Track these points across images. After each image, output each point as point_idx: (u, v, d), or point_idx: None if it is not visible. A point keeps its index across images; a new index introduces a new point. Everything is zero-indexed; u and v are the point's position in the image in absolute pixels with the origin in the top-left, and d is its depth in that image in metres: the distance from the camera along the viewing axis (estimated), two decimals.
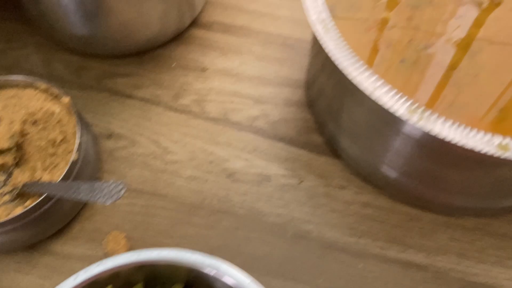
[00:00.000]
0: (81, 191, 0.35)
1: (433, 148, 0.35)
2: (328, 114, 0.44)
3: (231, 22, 0.54)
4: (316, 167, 0.45)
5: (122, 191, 0.34)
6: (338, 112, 0.41)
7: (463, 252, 0.41)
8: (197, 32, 0.53)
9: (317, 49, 0.43)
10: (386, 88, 0.32)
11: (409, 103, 0.31)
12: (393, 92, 0.32)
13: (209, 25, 0.54)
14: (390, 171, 0.40)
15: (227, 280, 0.35)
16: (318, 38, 0.34)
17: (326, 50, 0.34)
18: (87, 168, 0.42)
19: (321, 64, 0.42)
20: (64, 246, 0.41)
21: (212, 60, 0.52)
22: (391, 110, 0.31)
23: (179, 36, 0.53)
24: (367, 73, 0.32)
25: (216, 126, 0.48)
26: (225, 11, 0.55)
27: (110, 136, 0.47)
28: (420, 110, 0.31)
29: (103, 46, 0.49)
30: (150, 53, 0.52)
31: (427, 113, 0.31)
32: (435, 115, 0.31)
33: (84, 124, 0.43)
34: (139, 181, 0.45)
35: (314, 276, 0.40)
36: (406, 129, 0.34)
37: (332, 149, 0.46)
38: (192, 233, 0.42)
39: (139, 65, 0.51)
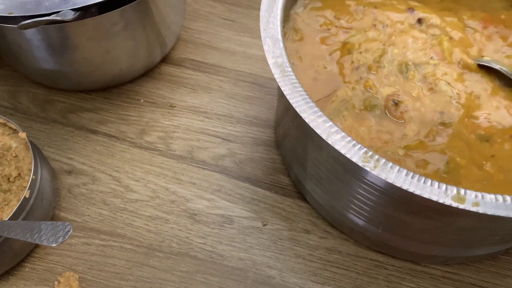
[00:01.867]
0: (27, 232, 0.34)
1: (394, 196, 0.34)
2: (293, 156, 0.43)
3: (202, 60, 0.54)
4: (281, 210, 0.44)
5: (69, 233, 0.33)
6: (302, 155, 0.41)
7: None
8: (168, 69, 0.53)
9: (280, 91, 0.42)
10: (341, 135, 0.31)
11: (364, 150, 0.30)
12: (348, 139, 0.31)
13: (180, 62, 0.54)
14: (354, 218, 0.39)
15: None
16: (277, 81, 0.34)
17: (284, 94, 0.33)
18: (41, 206, 0.40)
19: (283, 106, 0.41)
20: None
21: (181, 96, 0.51)
22: (347, 157, 0.30)
23: (149, 72, 0.52)
24: (322, 118, 0.32)
25: (180, 164, 0.46)
26: (196, 48, 0.55)
27: (70, 172, 0.46)
28: (375, 158, 0.30)
29: (69, 81, 0.48)
30: (119, 88, 0.51)
31: (383, 161, 0.30)
32: (391, 164, 0.30)
33: (42, 160, 0.42)
34: (97, 220, 0.43)
35: None
36: (366, 176, 0.34)
37: (298, 192, 0.45)
38: (149, 276, 0.41)
39: (106, 99, 0.50)
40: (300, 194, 0.45)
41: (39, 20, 0.34)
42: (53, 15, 0.34)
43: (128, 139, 0.48)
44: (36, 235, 0.33)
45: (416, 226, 0.37)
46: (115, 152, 0.47)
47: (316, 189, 0.41)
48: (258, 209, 0.44)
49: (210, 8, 0.59)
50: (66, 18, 0.34)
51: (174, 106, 0.50)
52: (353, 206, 0.38)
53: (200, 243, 0.42)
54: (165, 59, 0.53)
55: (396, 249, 0.40)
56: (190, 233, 0.43)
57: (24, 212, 0.38)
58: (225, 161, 0.47)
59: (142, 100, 0.51)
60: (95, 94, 0.51)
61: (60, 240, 0.32)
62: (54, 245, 0.32)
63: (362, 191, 0.36)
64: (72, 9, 0.35)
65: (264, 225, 0.43)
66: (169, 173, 0.46)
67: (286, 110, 0.41)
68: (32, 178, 0.38)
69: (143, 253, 0.41)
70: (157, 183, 0.45)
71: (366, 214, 0.38)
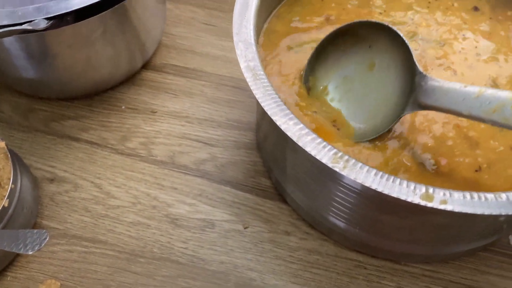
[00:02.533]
0: (4, 240, 0.34)
1: (368, 197, 0.34)
2: (273, 159, 0.43)
3: (183, 65, 0.54)
4: (262, 212, 0.44)
5: (45, 240, 0.33)
6: (280, 157, 0.41)
7: None
8: (149, 75, 0.53)
9: (259, 108, 0.43)
10: (311, 136, 0.31)
11: (334, 151, 0.31)
12: (318, 140, 0.31)
13: (162, 67, 0.54)
14: (333, 219, 0.39)
15: None
16: (249, 85, 0.34)
17: (256, 98, 0.33)
18: (22, 215, 0.40)
19: (260, 109, 0.41)
20: None
21: (162, 102, 0.51)
22: (317, 158, 0.31)
23: (130, 78, 0.53)
24: (293, 121, 0.32)
25: (162, 170, 0.47)
26: (178, 54, 0.55)
27: (52, 180, 0.46)
28: (345, 158, 0.30)
29: (50, 89, 0.48)
30: (100, 95, 0.51)
31: (352, 161, 0.30)
32: (360, 164, 0.30)
33: (23, 169, 0.42)
34: (79, 227, 0.43)
35: None
36: (339, 177, 0.34)
37: (279, 194, 0.45)
38: (131, 281, 0.41)
39: (88, 107, 0.51)
40: (281, 196, 0.45)
41: (11, 30, 0.34)
42: (25, 24, 0.34)
43: (110, 146, 0.48)
44: (13, 243, 0.34)
45: (392, 225, 0.37)
46: (97, 159, 0.47)
47: (295, 191, 0.42)
48: (239, 212, 0.44)
49: (192, 13, 0.59)
50: (39, 27, 0.34)
51: (156, 112, 0.51)
52: (330, 208, 0.38)
53: (182, 247, 0.42)
54: (146, 65, 0.54)
55: (375, 248, 0.41)
56: (171, 238, 0.43)
57: (4, 221, 0.38)
58: (206, 166, 0.47)
59: (123, 107, 0.51)
60: (77, 101, 0.51)
61: (36, 248, 0.32)
62: (30, 252, 0.33)
63: (338, 193, 0.36)
64: (46, 18, 0.36)
65: (245, 228, 0.43)
66: (150, 179, 0.46)
67: (262, 113, 0.41)
68: (11, 187, 0.39)
69: (125, 259, 0.42)
70: (139, 189, 0.46)
71: (343, 215, 0.38)
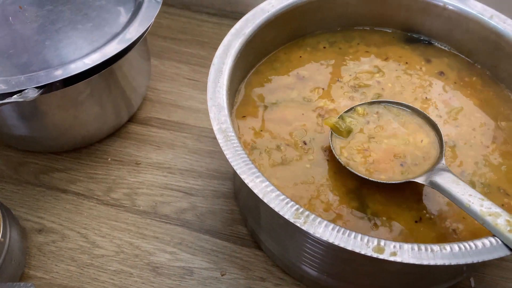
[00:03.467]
0: None
1: (332, 247, 0.37)
2: (247, 209, 0.46)
3: (167, 118, 0.58)
4: (239, 259, 0.47)
5: None
6: (254, 208, 0.44)
7: None
8: (134, 128, 0.57)
9: None
10: (276, 193, 0.34)
11: (296, 207, 0.34)
12: (282, 197, 0.34)
13: (146, 120, 0.57)
14: (303, 266, 0.42)
15: None
16: (220, 146, 0.37)
17: (227, 158, 0.37)
18: (10, 266, 0.43)
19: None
20: None
21: (146, 154, 0.55)
22: (280, 214, 0.34)
23: (116, 132, 0.56)
24: (260, 179, 0.35)
25: (144, 220, 0.50)
26: (162, 107, 0.59)
27: (41, 231, 0.49)
28: (305, 214, 0.34)
29: (40, 144, 0.52)
30: (88, 148, 0.55)
31: (312, 217, 0.33)
32: (319, 219, 0.33)
33: (12, 221, 0.45)
34: (65, 276, 0.46)
35: None
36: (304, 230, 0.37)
37: (255, 241, 0.48)
38: None
39: (76, 159, 0.54)
40: (256, 243, 0.48)
41: (2, 103, 0.37)
42: (16, 95, 0.38)
43: (96, 197, 0.51)
44: None
45: (357, 271, 0.40)
46: (83, 210, 0.50)
47: (268, 239, 0.44)
48: (217, 259, 0.47)
49: (176, 69, 0.63)
50: (29, 98, 0.38)
51: (140, 163, 0.54)
52: (301, 256, 0.41)
53: None
54: (132, 119, 0.57)
55: None
56: (152, 286, 0.45)
57: None
58: (186, 215, 0.50)
59: (109, 159, 0.54)
60: (66, 154, 0.54)
61: None
62: None
63: (305, 243, 0.39)
64: (36, 87, 0.39)
65: (222, 275, 0.46)
66: (133, 228, 0.49)
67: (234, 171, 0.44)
68: (0, 240, 0.41)
69: None
70: (122, 238, 0.48)
71: (311, 263, 0.41)
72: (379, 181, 0.39)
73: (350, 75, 0.48)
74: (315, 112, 0.45)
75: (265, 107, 0.46)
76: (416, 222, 0.39)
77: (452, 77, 0.48)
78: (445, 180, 0.37)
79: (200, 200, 0.51)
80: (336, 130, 0.42)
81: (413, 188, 0.40)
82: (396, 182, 0.39)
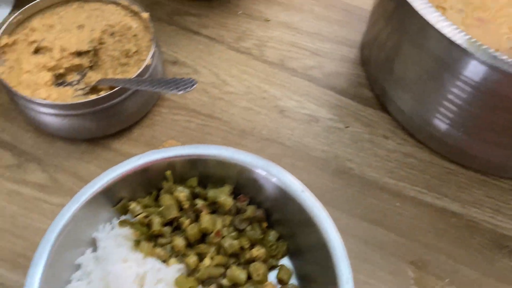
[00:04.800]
0: (155, 84, 0.39)
1: (486, 91, 0.37)
2: (381, 70, 0.47)
3: None
4: (363, 117, 0.48)
5: (195, 85, 0.37)
6: (394, 63, 0.44)
7: (497, 209, 0.43)
8: None
9: (380, 11, 0.46)
10: (448, 22, 0.34)
11: (468, 36, 0.34)
12: (454, 26, 0.34)
13: None
14: (438, 121, 0.42)
15: (277, 182, 0.37)
16: None
17: None
18: (157, 75, 0.45)
19: (384, 21, 0.45)
20: (123, 146, 0.45)
21: (275, 13, 0.55)
22: (452, 40, 0.34)
23: None
24: (432, 9, 0.35)
25: (272, 69, 0.51)
26: None
27: (175, 63, 0.51)
28: (477, 44, 0.34)
29: None
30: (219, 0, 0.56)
31: (484, 47, 0.33)
32: (498, 52, 0.33)
33: (157, 49, 0.47)
34: (198, 104, 0.48)
35: (353, 207, 0.42)
36: (463, 70, 0.37)
37: (380, 103, 0.48)
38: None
39: (208, 8, 0.55)
40: (382, 106, 0.48)
41: None
42: None
43: (226, 43, 0.53)
44: (164, 86, 0.38)
45: (499, 124, 0.39)
46: (214, 52, 0.52)
47: (403, 95, 0.45)
48: (342, 114, 0.48)
49: None
50: None
51: (269, 20, 0.55)
52: (439, 108, 0.41)
53: (288, 133, 0.46)
54: None
55: (470, 156, 0.43)
56: (279, 125, 0.47)
57: (148, 74, 0.43)
58: (313, 72, 0.51)
59: (240, 12, 0.55)
60: (198, 2, 0.56)
61: (188, 89, 0.37)
62: (180, 93, 0.37)
63: (453, 89, 0.39)
64: None
65: (346, 127, 0.47)
66: (262, 75, 0.50)
67: (386, 24, 0.44)
68: (153, 51, 0.43)
69: (236, 135, 0.46)
70: (251, 81, 0.50)
71: (451, 116, 0.41)
72: None
73: None
74: None
75: None
76: None
77: None
78: None
79: (327, 61, 0.52)
80: None
81: None
82: None
